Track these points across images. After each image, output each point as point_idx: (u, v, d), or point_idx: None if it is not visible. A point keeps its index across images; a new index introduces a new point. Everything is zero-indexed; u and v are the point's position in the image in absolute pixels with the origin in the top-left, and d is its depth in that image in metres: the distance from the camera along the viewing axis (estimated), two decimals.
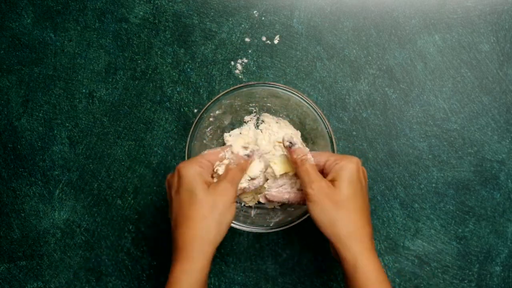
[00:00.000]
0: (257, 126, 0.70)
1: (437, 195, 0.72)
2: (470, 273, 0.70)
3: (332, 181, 0.57)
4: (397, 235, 0.71)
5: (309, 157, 0.59)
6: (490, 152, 0.72)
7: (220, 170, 0.60)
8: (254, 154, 0.63)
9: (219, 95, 0.65)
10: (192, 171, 0.56)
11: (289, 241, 0.72)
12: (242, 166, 0.61)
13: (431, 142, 0.72)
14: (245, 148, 0.64)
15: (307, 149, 0.61)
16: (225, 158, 0.61)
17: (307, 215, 0.62)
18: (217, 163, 0.60)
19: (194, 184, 0.56)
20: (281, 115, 0.70)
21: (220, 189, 0.57)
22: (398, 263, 0.71)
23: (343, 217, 0.56)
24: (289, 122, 0.70)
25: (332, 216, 0.56)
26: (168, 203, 0.59)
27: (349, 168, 0.57)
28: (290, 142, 0.60)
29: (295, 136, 0.68)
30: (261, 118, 0.70)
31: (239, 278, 0.71)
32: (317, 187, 0.57)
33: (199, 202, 0.55)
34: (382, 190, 0.72)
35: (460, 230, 0.71)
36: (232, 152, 0.62)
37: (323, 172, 0.59)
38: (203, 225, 0.55)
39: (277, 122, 0.70)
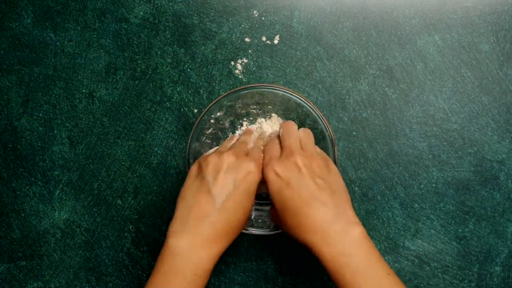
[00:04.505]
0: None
1: (437, 195, 0.72)
2: (470, 273, 0.70)
3: None
4: (397, 235, 0.71)
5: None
6: (490, 152, 0.72)
7: None
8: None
9: (220, 97, 0.64)
10: (257, 179, 0.57)
11: (289, 241, 0.72)
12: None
13: (431, 142, 0.72)
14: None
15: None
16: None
17: None
18: None
19: (253, 190, 0.57)
20: (280, 116, 0.70)
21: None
22: (398, 263, 0.71)
23: (294, 228, 0.55)
24: None
25: (290, 232, 0.56)
26: (206, 177, 0.56)
27: (267, 179, 0.57)
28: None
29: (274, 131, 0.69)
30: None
31: (239, 278, 0.71)
32: (272, 215, 0.60)
33: (247, 212, 0.57)
34: (382, 190, 0.72)
35: (460, 230, 0.71)
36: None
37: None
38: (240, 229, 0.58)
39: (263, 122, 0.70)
